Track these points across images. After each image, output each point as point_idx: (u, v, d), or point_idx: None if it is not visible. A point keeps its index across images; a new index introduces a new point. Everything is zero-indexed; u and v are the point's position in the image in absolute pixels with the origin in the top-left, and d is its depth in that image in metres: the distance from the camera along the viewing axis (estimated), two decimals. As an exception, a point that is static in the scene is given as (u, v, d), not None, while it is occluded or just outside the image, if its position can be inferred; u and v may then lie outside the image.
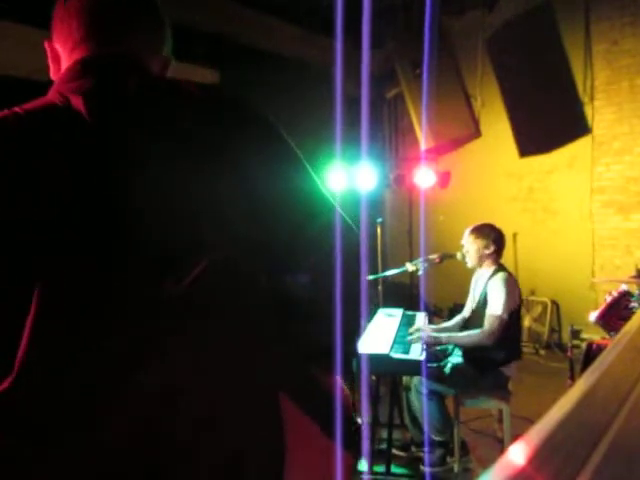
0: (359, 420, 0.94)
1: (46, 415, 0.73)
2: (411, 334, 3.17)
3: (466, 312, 3.40)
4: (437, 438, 3.07)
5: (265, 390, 0.85)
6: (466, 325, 3.30)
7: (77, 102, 0.79)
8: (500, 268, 3.13)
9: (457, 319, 3.44)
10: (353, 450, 0.90)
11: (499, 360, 3.02)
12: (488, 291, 3.07)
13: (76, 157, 0.76)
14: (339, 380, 0.93)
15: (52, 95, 0.83)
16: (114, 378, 0.74)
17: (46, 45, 0.94)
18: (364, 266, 0.89)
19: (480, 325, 3.05)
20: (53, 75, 0.94)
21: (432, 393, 2.98)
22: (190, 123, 0.84)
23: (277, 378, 0.86)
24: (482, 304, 3.11)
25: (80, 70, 0.85)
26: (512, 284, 3.05)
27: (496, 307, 2.97)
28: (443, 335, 3.12)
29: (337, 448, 0.86)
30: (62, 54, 0.91)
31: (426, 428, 3.04)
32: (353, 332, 0.91)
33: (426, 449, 3.12)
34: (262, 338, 0.85)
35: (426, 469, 3.11)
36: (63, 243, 0.74)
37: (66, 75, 0.86)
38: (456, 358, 3.15)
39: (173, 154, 0.81)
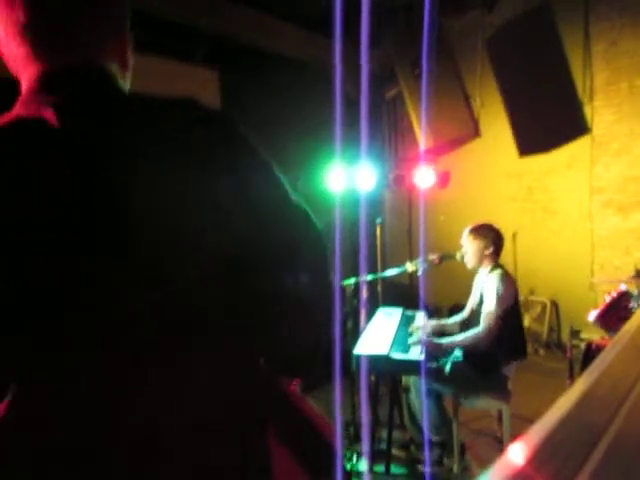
0: (335, 447, 0.94)
1: (43, 422, 0.73)
2: (411, 333, 3.18)
3: (465, 312, 3.41)
4: (434, 438, 3.08)
5: (248, 402, 0.85)
6: (465, 325, 3.31)
7: (50, 117, 0.77)
8: (496, 266, 3.14)
9: (456, 318, 3.45)
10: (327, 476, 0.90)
11: (500, 359, 3.02)
12: (484, 290, 3.08)
13: (60, 170, 0.75)
14: (315, 409, 0.93)
15: (20, 109, 0.80)
16: (104, 386, 0.74)
17: None
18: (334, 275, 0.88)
19: (478, 324, 3.06)
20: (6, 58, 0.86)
21: (430, 391, 2.99)
22: (172, 133, 0.82)
23: (258, 393, 0.86)
24: (479, 304, 3.12)
25: (46, 84, 0.81)
26: (507, 281, 3.05)
27: (490, 304, 2.98)
28: (443, 341, 3.11)
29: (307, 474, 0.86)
30: (20, 60, 0.84)
31: (425, 427, 3.04)
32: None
33: (425, 449, 3.12)
34: (251, 344, 0.84)
35: (425, 469, 3.11)
36: (63, 243, 0.74)
37: (33, 88, 0.81)
38: (456, 355, 3.15)
39: (167, 156, 0.80)
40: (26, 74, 0.83)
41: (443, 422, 3.07)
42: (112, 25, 0.89)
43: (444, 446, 3.14)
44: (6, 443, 0.73)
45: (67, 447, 0.72)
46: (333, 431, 0.94)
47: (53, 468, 0.72)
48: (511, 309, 3.04)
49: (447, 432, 3.08)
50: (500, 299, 2.96)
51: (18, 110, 0.80)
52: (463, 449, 3.15)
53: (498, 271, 3.09)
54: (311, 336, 0.89)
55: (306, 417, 0.91)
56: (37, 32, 0.81)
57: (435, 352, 3.11)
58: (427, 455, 3.12)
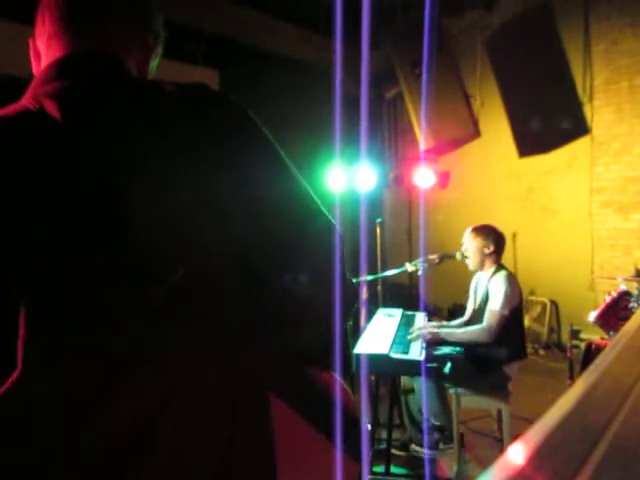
0: (361, 421, 0.93)
1: (42, 417, 0.73)
2: (411, 334, 3.18)
3: (467, 315, 3.40)
4: (434, 422, 3.10)
5: (253, 396, 0.84)
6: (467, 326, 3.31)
7: (51, 107, 0.77)
8: (500, 267, 3.15)
9: (458, 322, 3.45)
10: (354, 452, 0.89)
11: (501, 359, 3.03)
12: (489, 289, 3.09)
13: (58, 163, 0.75)
14: (338, 379, 0.93)
15: (27, 100, 0.81)
16: (98, 381, 0.74)
17: (30, 42, 0.92)
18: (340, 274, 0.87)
19: (480, 323, 3.06)
20: (35, 72, 0.91)
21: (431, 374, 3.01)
22: (176, 124, 0.82)
23: (267, 380, 0.86)
24: (484, 303, 3.12)
25: (54, 72, 0.83)
26: (513, 282, 3.08)
27: (496, 303, 2.99)
28: (442, 331, 3.14)
29: (337, 451, 0.85)
30: (40, 49, 0.89)
31: (425, 409, 3.06)
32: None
33: (424, 448, 3.13)
34: (252, 342, 0.84)
35: (424, 451, 3.13)
36: (61, 243, 0.74)
37: (41, 77, 0.84)
38: (457, 354, 3.16)
39: (160, 156, 0.79)
40: (47, 60, 0.87)
41: (442, 406, 3.10)
42: (138, 28, 0.92)
43: (442, 431, 3.15)
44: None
45: (64, 440, 0.73)
46: (357, 406, 0.94)
47: (49, 450, 0.73)
48: (515, 310, 3.05)
49: (446, 419, 3.10)
50: (506, 299, 2.98)
51: (24, 101, 0.81)
52: (462, 440, 3.16)
53: (504, 272, 3.11)
54: (313, 336, 0.89)
55: (325, 391, 0.91)
56: (67, 13, 0.87)
57: (434, 342, 3.12)
58: (426, 456, 3.12)
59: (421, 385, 3.04)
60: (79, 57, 0.85)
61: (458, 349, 3.18)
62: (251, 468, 0.83)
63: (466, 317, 3.40)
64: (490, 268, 3.17)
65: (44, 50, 0.88)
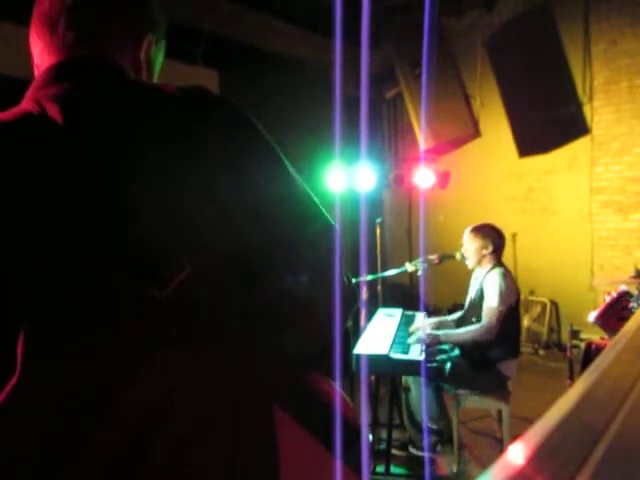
0: (362, 432, 0.92)
1: (43, 417, 0.73)
2: (411, 334, 3.18)
3: (464, 311, 3.41)
4: (432, 426, 3.11)
5: (255, 397, 0.84)
6: (461, 321, 3.32)
7: (53, 110, 0.78)
8: (497, 265, 3.15)
9: (456, 316, 3.45)
10: (354, 463, 0.89)
11: (496, 358, 3.03)
12: (484, 286, 3.10)
13: (60, 164, 0.76)
14: (337, 387, 0.92)
15: (27, 103, 0.81)
16: (98, 381, 0.74)
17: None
18: (340, 274, 0.87)
19: (474, 320, 3.07)
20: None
21: (430, 382, 3.02)
22: (176, 125, 0.82)
23: (268, 386, 0.85)
24: (478, 299, 3.13)
25: (54, 75, 0.83)
26: (509, 279, 3.08)
27: (493, 300, 2.99)
28: (441, 332, 3.13)
29: (336, 461, 0.85)
30: (35, 57, 0.90)
31: (424, 415, 3.07)
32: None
33: (424, 448, 3.14)
34: (251, 343, 0.84)
35: (424, 454, 3.14)
36: (56, 244, 0.74)
37: (40, 81, 0.84)
38: (455, 354, 3.16)
39: (160, 156, 0.79)
40: (43, 66, 0.87)
41: (441, 411, 3.11)
42: (133, 29, 0.92)
43: (441, 434, 3.16)
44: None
45: (65, 440, 0.73)
46: (357, 416, 0.93)
47: (50, 451, 0.72)
48: (511, 308, 3.05)
49: (445, 424, 3.10)
50: (502, 296, 2.99)
51: (25, 104, 0.81)
52: (460, 443, 3.16)
53: (499, 269, 3.11)
54: (313, 337, 0.88)
55: (323, 398, 0.90)
56: (57, 21, 0.86)
57: (433, 345, 3.12)
58: (427, 456, 3.12)
59: (418, 386, 3.04)
60: (77, 61, 0.86)
61: (455, 351, 3.18)
62: (255, 469, 0.82)
63: (464, 313, 3.41)
64: (487, 265, 3.18)
65: (38, 58, 0.89)
